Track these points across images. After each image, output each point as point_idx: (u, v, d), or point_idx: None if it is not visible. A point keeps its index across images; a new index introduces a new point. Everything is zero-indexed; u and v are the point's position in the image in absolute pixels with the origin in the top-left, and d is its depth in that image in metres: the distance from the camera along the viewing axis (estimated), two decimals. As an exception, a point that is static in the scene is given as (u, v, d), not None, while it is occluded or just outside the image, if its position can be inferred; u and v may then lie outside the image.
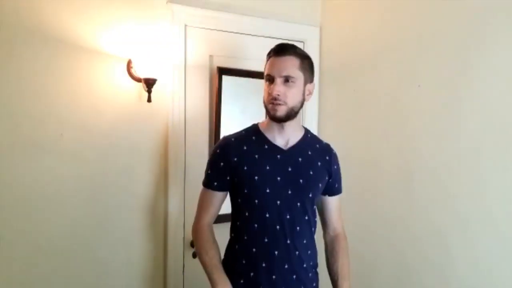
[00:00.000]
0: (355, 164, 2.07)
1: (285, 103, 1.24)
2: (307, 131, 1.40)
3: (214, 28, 1.99)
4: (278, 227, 1.26)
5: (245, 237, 1.31)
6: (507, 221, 1.38)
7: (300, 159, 1.31)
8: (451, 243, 1.53)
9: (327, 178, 1.36)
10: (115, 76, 1.76)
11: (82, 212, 1.72)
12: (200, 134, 1.98)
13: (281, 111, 1.24)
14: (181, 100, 1.91)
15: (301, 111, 1.32)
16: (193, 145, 1.96)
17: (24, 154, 1.60)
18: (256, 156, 1.30)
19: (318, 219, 1.47)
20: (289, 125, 1.30)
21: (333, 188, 1.41)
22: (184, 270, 1.96)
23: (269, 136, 1.33)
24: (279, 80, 1.24)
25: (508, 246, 1.38)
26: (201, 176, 2.00)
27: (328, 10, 2.25)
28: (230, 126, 2.06)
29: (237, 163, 1.30)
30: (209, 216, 1.40)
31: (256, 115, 2.16)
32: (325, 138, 2.24)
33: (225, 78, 1.98)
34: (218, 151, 1.35)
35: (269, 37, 2.14)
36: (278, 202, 1.27)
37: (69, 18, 1.65)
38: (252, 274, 1.28)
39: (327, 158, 1.37)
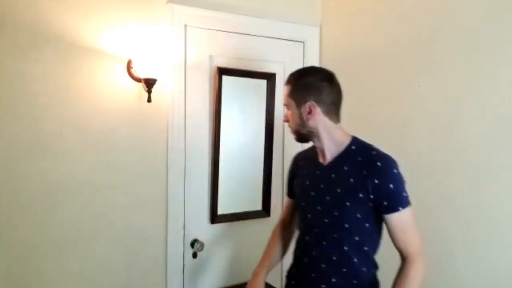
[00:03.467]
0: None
1: (290, 128, 1.41)
2: (352, 144, 1.34)
3: (214, 28, 1.99)
4: (307, 238, 1.41)
5: (299, 235, 1.49)
6: (507, 219, 1.38)
7: (333, 175, 1.33)
8: (452, 241, 1.53)
9: (361, 195, 1.25)
10: (115, 76, 1.76)
11: (81, 212, 1.72)
12: (200, 134, 1.98)
13: (292, 134, 1.42)
14: (181, 100, 1.91)
15: (321, 130, 1.33)
16: (193, 145, 1.96)
17: (24, 153, 1.60)
18: (304, 171, 1.47)
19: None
20: (317, 144, 1.38)
21: (381, 205, 1.24)
22: (184, 270, 1.96)
23: (318, 153, 1.41)
24: (284, 109, 1.41)
25: (508, 243, 1.38)
26: (201, 175, 2.01)
27: (328, 10, 2.25)
28: (230, 126, 2.07)
29: (293, 176, 1.53)
30: (284, 216, 1.63)
31: (255, 115, 2.17)
32: (325, 138, 2.27)
33: (225, 78, 1.98)
34: (290, 164, 1.60)
35: (269, 37, 2.14)
36: (309, 215, 1.39)
37: (70, 18, 1.65)
38: (305, 260, 1.42)
39: (364, 172, 1.25)
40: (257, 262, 2.26)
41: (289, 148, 2.26)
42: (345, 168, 1.30)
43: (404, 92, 1.74)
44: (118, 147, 1.78)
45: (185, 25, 1.91)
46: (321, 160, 1.38)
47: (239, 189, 2.16)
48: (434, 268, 1.59)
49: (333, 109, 1.35)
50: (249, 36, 2.09)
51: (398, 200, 1.23)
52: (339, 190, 1.29)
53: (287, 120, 1.40)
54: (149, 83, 1.74)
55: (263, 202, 2.17)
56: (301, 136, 1.39)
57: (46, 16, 1.61)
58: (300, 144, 2.30)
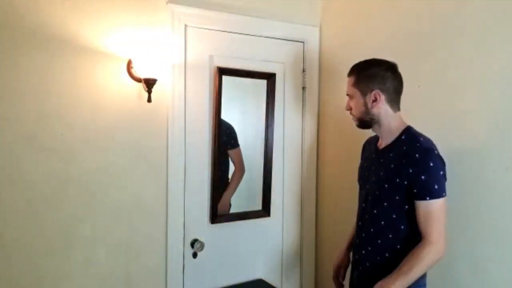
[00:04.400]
0: (355, 163, 2.06)
1: (353, 115, 1.53)
2: (403, 133, 1.44)
3: (214, 28, 1.99)
4: (360, 210, 1.58)
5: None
6: (508, 221, 1.38)
7: (381, 160, 1.48)
8: (451, 242, 1.53)
9: (398, 180, 1.38)
10: (115, 76, 1.76)
11: (82, 211, 1.72)
12: (200, 134, 1.98)
13: (354, 121, 1.54)
14: (181, 100, 1.91)
15: (382, 117, 1.45)
16: (193, 145, 1.96)
17: (24, 153, 1.60)
18: (366, 154, 1.65)
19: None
20: (376, 130, 1.51)
21: (412, 192, 1.36)
22: (184, 270, 1.96)
23: (379, 138, 1.56)
24: (347, 98, 1.54)
25: (508, 245, 1.38)
26: (201, 175, 2.02)
27: (328, 10, 2.25)
28: (231, 126, 2.07)
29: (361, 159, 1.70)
30: None
31: (255, 115, 2.18)
32: (325, 138, 2.28)
33: (225, 78, 1.99)
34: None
35: (269, 37, 2.14)
36: (362, 192, 1.58)
37: (70, 19, 1.65)
38: (357, 227, 1.60)
39: (404, 161, 1.37)
40: (257, 261, 2.27)
41: (289, 147, 2.26)
42: (391, 154, 1.44)
43: (404, 92, 1.74)
44: (118, 147, 1.78)
45: (185, 25, 1.91)
46: (379, 144, 1.53)
47: (239, 189, 2.16)
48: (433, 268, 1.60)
49: (395, 98, 1.46)
50: (249, 36, 2.09)
51: (427, 191, 1.33)
52: (381, 173, 1.45)
53: (350, 109, 1.53)
54: (149, 83, 1.74)
55: (263, 202, 2.17)
56: (363, 122, 1.51)
57: (46, 16, 1.61)
58: (300, 144, 2.32)
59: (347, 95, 1.54)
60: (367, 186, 1.53)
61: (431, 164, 1.33)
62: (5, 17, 1.55)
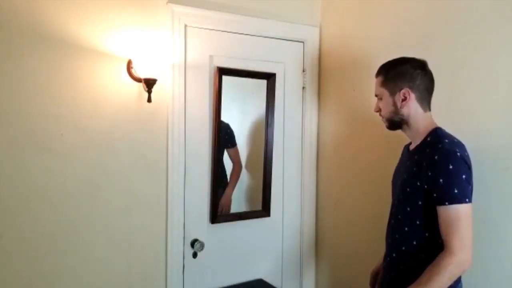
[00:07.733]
0: (355, 163, 2.06)
1: (382, 116, 1.47)
2: (429, 135, 1.38)
3: (214, 28, 1.99)
4: (389, 215, 1.51)
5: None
6: (508, 221, 1.38)
7: (408, 162, 1.44)
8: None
9: (418, 184, 1.33)
10: (115, 76, 1.76)
11: (82, 212, 1.72)
12: (200, 134, 1.98)
13: (384, 122, 1.49)
14: (181, 100, 1.91)
15: (412, 118, 1.39)
16: (193, 145, 1.96)
17: (24, 153, 1.60)
18: (401, 157, 1.58)
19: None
20: (406, 131, 1.46)
21: (432, 197, 1.29)
22: (184, 270, 1.96)
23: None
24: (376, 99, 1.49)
25: (508, 245, 1.38)
26: (201, 175, 2.02)
27: (328, 10, 2.25)
28: (230, 126, 2.07)
29: None
30: None
31: (255, 115, 2.18)
32: (324, 138, 2.28)
33: (225, 78, 1.99)
34: None
35: (269, 37, 2.14)
36: (392, 196, 1.53)
37: (70, 19, 1.66)
38: (386, 232, 1.53)
39: (424, 164, 1.31)
40: (257, 261, 2.27)
41: (289, 147, 2.26)
42: (416, 157, 1.38)
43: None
44: (118, 147, 1.78)
45: (185, 25, 1.91)
46: (410, 147, 1.48)
47: (240, 189, 2.16)
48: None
49: (426, 96, 1.40)
50: (249, 36, 2.09)
51: (446, 195, 1.25)
52: (405, 176, 1.40)
53: (378, 110, 1.47)
54: (149, 83, 1.75)
55: (263, 202, 2.17)
56: (393, 123, 1.45)
57: (46, 16, 1.61)
58: (300, 144, 2.32)
59: (376, 95, 1.48)
60: (396, 190, 1.48)
61: (451, 167, 1.25)
62: (4, 17, 1.55)
